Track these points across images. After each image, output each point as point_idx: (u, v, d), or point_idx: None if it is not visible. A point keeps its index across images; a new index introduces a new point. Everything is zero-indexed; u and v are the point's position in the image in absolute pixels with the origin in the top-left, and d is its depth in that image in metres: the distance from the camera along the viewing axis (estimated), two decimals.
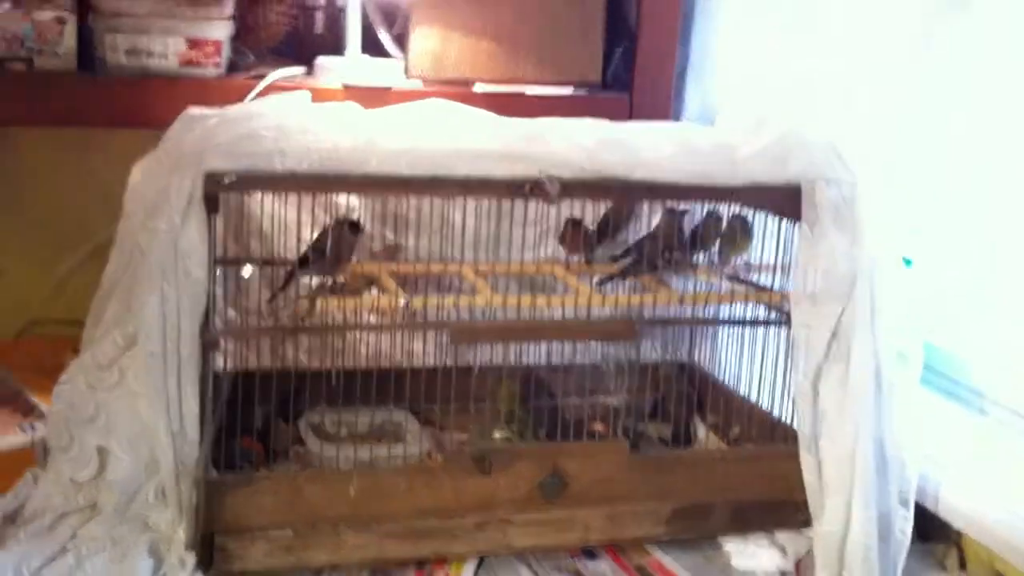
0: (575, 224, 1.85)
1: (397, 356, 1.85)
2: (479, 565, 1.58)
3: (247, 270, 1.70)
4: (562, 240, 1.88)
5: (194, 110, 1.67)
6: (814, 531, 1.64)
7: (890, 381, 1.65)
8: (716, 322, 1.89)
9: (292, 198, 1.68)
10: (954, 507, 1.64)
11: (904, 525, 1.64)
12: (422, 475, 1.55)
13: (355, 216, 1.76)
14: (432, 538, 1.55)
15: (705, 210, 1.81)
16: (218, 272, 1.53)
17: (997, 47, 1.75)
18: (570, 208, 1.82)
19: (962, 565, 1.67)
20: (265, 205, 1.77)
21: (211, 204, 1.47)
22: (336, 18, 2.23)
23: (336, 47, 2.17)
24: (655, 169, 1.61)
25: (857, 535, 1.58)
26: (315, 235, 1.68)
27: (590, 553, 1.65)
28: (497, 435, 1.72)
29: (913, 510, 1.65)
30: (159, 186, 1.49)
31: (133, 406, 1.48)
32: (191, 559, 1.43)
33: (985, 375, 1.84)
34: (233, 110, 1.67)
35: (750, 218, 1.80)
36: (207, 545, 1.45)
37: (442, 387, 1.60)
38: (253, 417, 1.66)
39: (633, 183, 1.61)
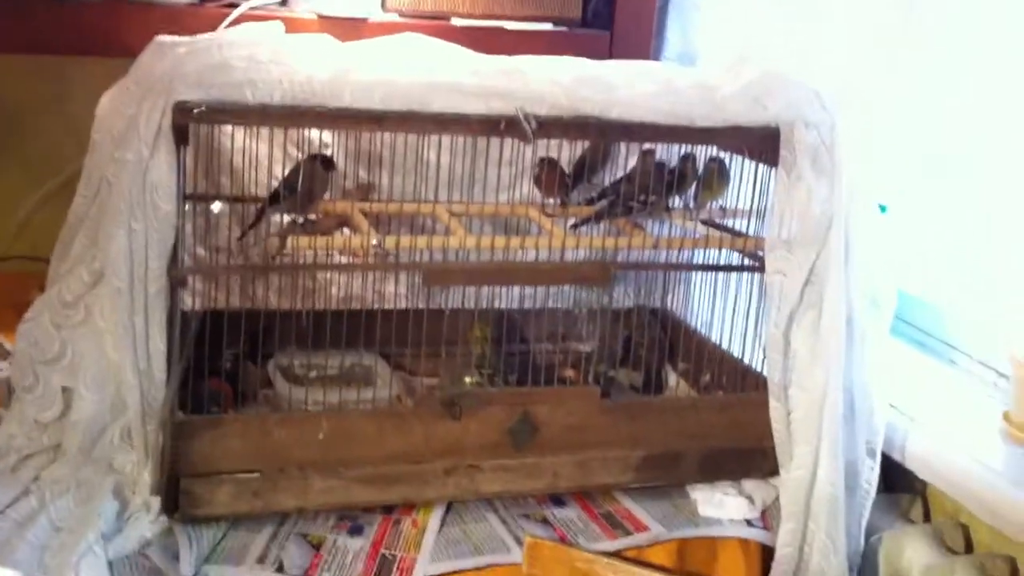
0: (551, 164, 1.82)
1: (368, 298, 1.83)
2: (446, 511, 1.58)
3: (217, 206, 1.67)
4: (537, 181, 1.85)
5: (164, 38, 1.63)
6: (781, 480, 1.65)
7: (862, 329, 1.65)
8: (690, 267, 1.88)
9: (264, 133, 1.65)
10: (920, 458, 1.65)
11: (870, 475, 1.65)
12: (392, 419, 1.54)
13: (328, 153, 1.73)
14: (400, 483, 1.54)
15: (682, 152, 1.78)
16: (187, 208, 1.50)
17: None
18: (546, 148, 1.79)
19: (927, 516, 1.68)
20: (236, 140, 1.74)
21: (180, 135, 1.44)
22: None
23: None
24: (632, 108, 1.59)
25: (824, 484, 1.59)
26: (287, 171, 1.65)
27: (558, 500, 1.65)
28: (468, 380, 1.71)
29: (880, 460, 1.66)
30: (127, 116, 1.46)
31: (99, 344, 1.46)
32: (156, 502, 1.42)
33: (956, 326, 1.84)
34: (204, 39, 1.63)
35: (727, 162, 1.78)
36: (173, 488, 1.44)
37: (413, 330, 1.58)
38: (221, 358, 1.64)
39: (610, 122, 1.58)
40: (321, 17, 2.05)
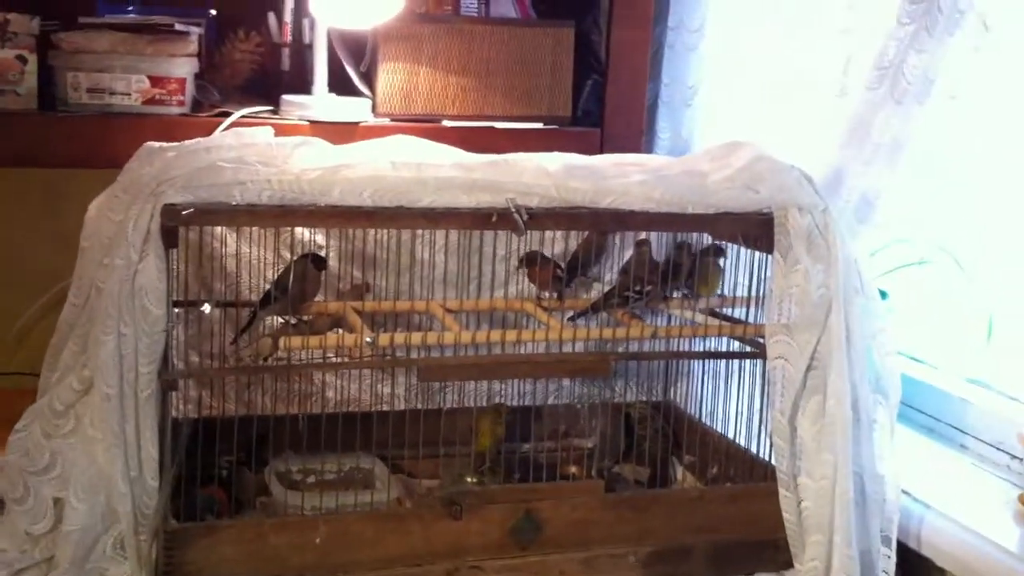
0: (543, 259, 1.80)
1: (365, 400, 1.80)
2: None
3: (207, 307, 1.65)
4: (531, 277, 1.83)
5: (153, 144, 1.63)
6: (795, 572, 1.60)
7: (869, 414, 1.62)
8: (691, 355, 1.84)
9: (256, 236, 1.64)
10: (937, 545, 1.60)
11: (887, 564, 1.61)
12: (391, 521, 1.50)
13: (321, 253, 1.72)
14: None
15: (677, 241, 1.77)
16: (179, 313, 1.48)
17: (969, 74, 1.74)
18: (540, 242, 1.78)
19: None
20: (228, 245, 1.73)
21: (169, 238, 1.43)
22: (303, 56, 2.20)
23: (303, 85, 2.14)
24: (624, 196, 1.58)
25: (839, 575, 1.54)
26: (279, 272, 1.63)
27: None
28: (469, 480, 1.67)
29: (896, 548, 1.61)
30: (116, 221, 1.45)
31: (90, 453, 1.43)
32: None
33: (965, 410, 1.81)
34: (192, 143, 1.64)
35: (721, 250, 1.76)
36: None
37: (411, 432, 1.55)
38: (216, 465, 1.61)
39: (602, 211, 1.57)
40: (312, 123, 2.06)
